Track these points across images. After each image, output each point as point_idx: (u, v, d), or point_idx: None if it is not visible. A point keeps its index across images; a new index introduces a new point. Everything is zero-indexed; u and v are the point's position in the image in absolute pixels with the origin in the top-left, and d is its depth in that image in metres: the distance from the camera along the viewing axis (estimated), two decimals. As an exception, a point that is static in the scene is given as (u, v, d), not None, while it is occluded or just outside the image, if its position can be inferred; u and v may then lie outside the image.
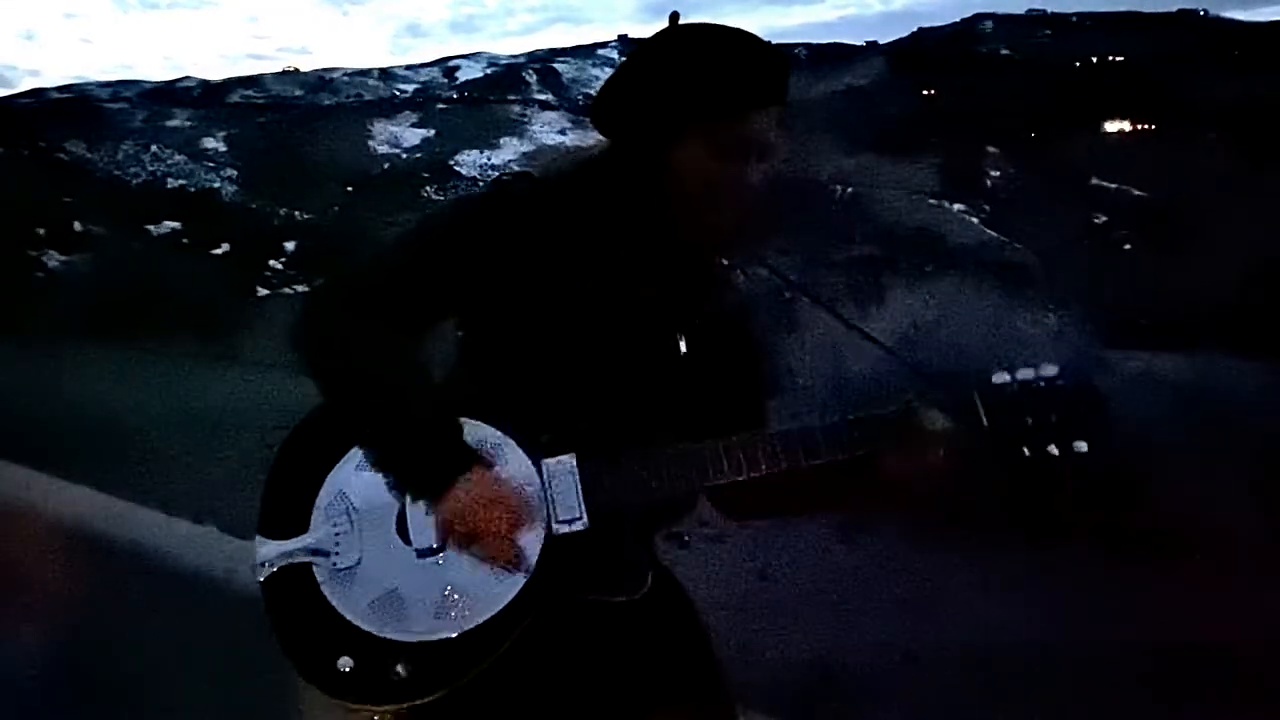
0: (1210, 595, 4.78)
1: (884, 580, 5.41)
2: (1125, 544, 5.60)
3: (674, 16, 1.76)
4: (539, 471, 1.76)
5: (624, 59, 1.81)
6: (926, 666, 4.49)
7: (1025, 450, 1.78)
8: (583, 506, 1.73)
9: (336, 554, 1.74)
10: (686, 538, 1.66)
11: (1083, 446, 1.75)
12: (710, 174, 1.72)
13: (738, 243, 1.79)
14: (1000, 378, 1.82)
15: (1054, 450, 1.76)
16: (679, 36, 1.78)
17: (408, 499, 1.69)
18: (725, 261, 1.95)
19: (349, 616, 1.72)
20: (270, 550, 1.74)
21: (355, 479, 1.74)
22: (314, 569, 1.73)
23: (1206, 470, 6.10)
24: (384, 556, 1.74)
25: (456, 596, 1.71)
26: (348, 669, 1.67)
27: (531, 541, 1.71)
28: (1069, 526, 5.33)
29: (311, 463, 1.77)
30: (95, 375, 11.11)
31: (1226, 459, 6.26)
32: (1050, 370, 1.78)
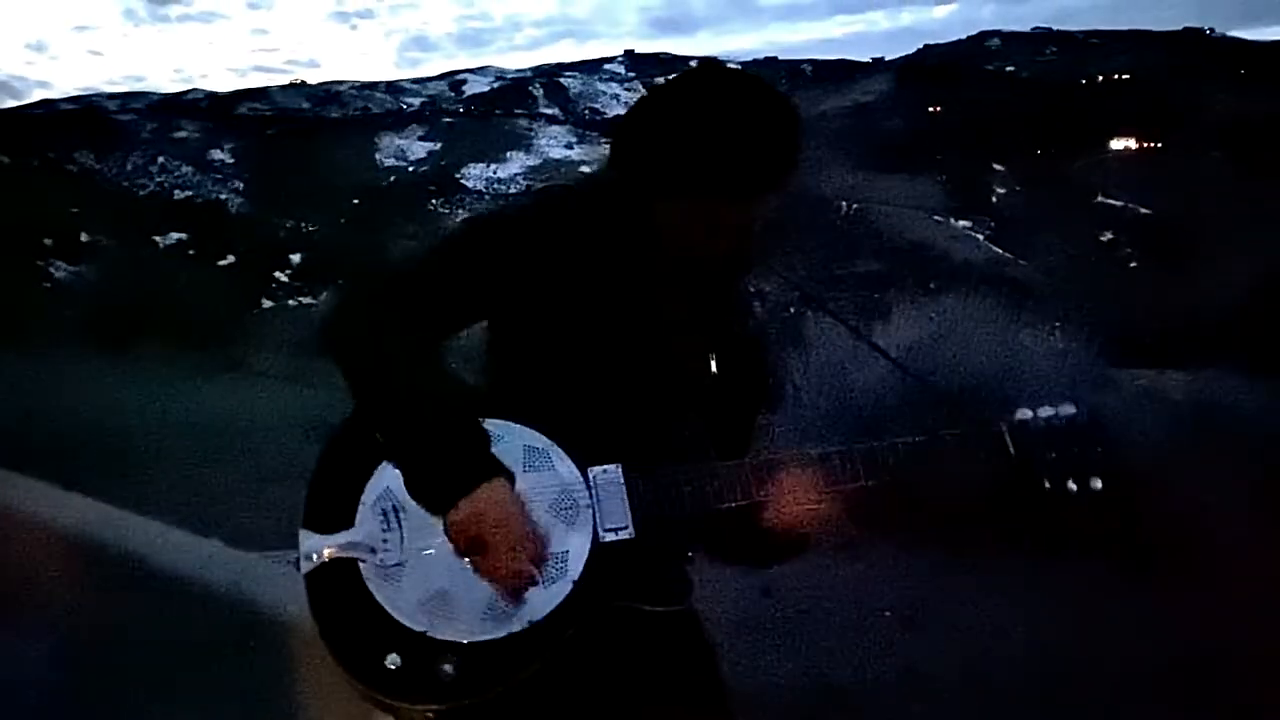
0: (1212, 607, 4.76)
1: (884, 596, 5.40)
2: (1126, 557, 5.59)
3: (706, 63, 1.77)
4: (586, 479, 1.77)
5: (644, 98, 1.80)
6: (926, 681, 4.48)
7: (1046, 484, 1.80)
8: (629, 516, 1.74)
9: (384, 551, 1.72)
10: (690, 554, 1.69)
11: (1098, 484, 1.77)
12: (679, 239, 1.73)
13: (726, 269, 1.81)
14: (1024, 414, 1.85)
15: (1072, 486, 1.79)
16: (690, 100, 1.75)
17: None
18: (751, 288, 1.97)
19: (395, 614, 1.69)
20: (315, 544, 1.72)
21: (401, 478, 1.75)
22: (359, 565, 1.72)
23: (1210, 485, 6.10)
24: (432, 556, 1.72)
25: (504, 598, 1.71)
26: (395, 666, 1.67)
27: (578, 548, 1.71)
28: (1070, 540, 5.32)
29: (358, 459, 1.76)
30: (100, 384, 11.13)
31: (1230, 474, 6.25)
32: (1069, 409, 1.80)
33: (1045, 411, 1.78)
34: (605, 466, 1.70)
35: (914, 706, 4.37)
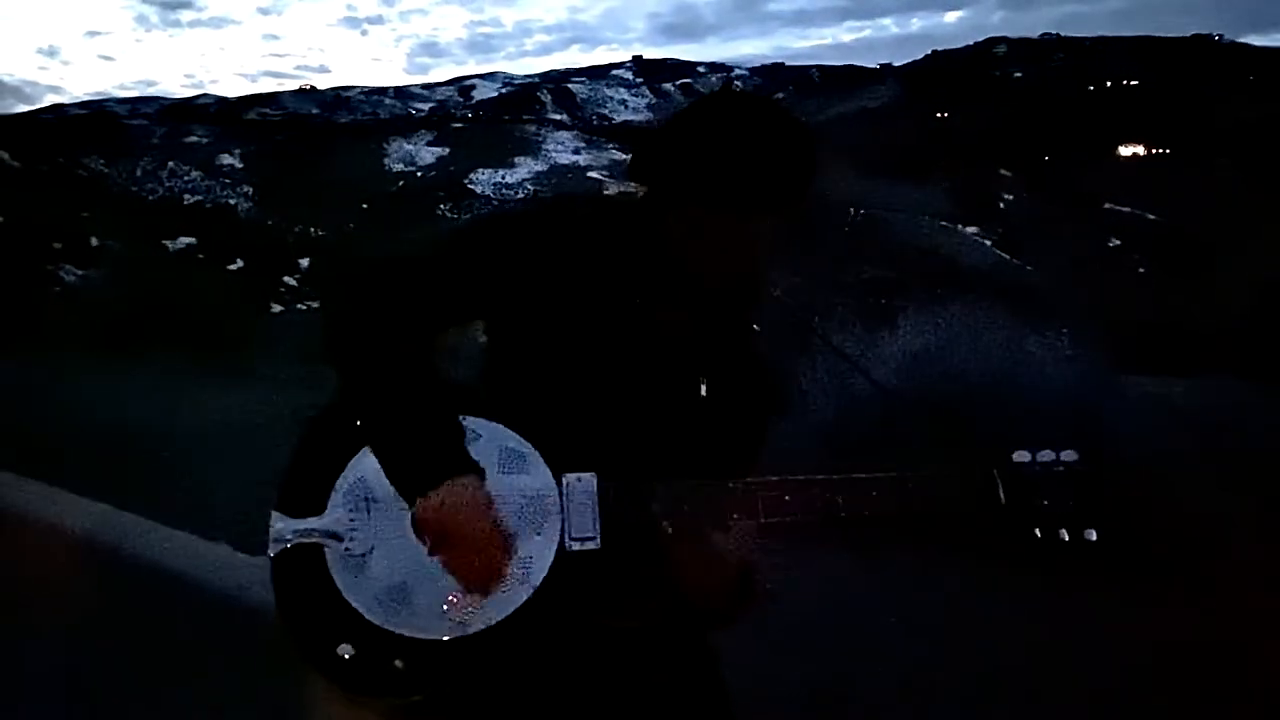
0: (1219, 618, 4.74)
1: (894, 603, 5.38)
2: (1135, 568, 5.57)
3: (727, 84, 1.79)
4: (559, 485, 1.76)
5: (670, 118, 1.81)
6: (936, 690, 4.46)
7: (1037, 532, 1.76)
8: (597, 527, 1.71)
9: (350, 540, 1.71)
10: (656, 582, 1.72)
11: (1092, 535, 1.72)
12: (689, 253, 1.73)
13: (734, 295, 1.80)
14: (1021, 456, 1.80)
15: (1064, 535, 1.74)
16: (711, 117, 1.76)
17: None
18: (754, 314, 1.97)
19: (355, 604, 1.67)
20: (284, 527, 1.71)
21: (377, 467, 1.74)
22: (325, 552, 1.72)
23: (1217, 494, 6.08)
24: (396, 549, 1.70)
25: (462, 599, 1.71)
26: (347, 656, 1.66)
27: (541, 555, 1.71)
28: (1078, 549, 5.30)
29: (336, 446, 1.76)
30: (108, 388, 11.17)
31: (1237, 483, 6.24)
32: (1071, 455, 1.75)
33: (1045, 456, 1.73)
34: (580, 475, 1.70)
35: (921, 714, 4.37)
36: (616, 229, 1.77)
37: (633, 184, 1.80)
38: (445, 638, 1.64)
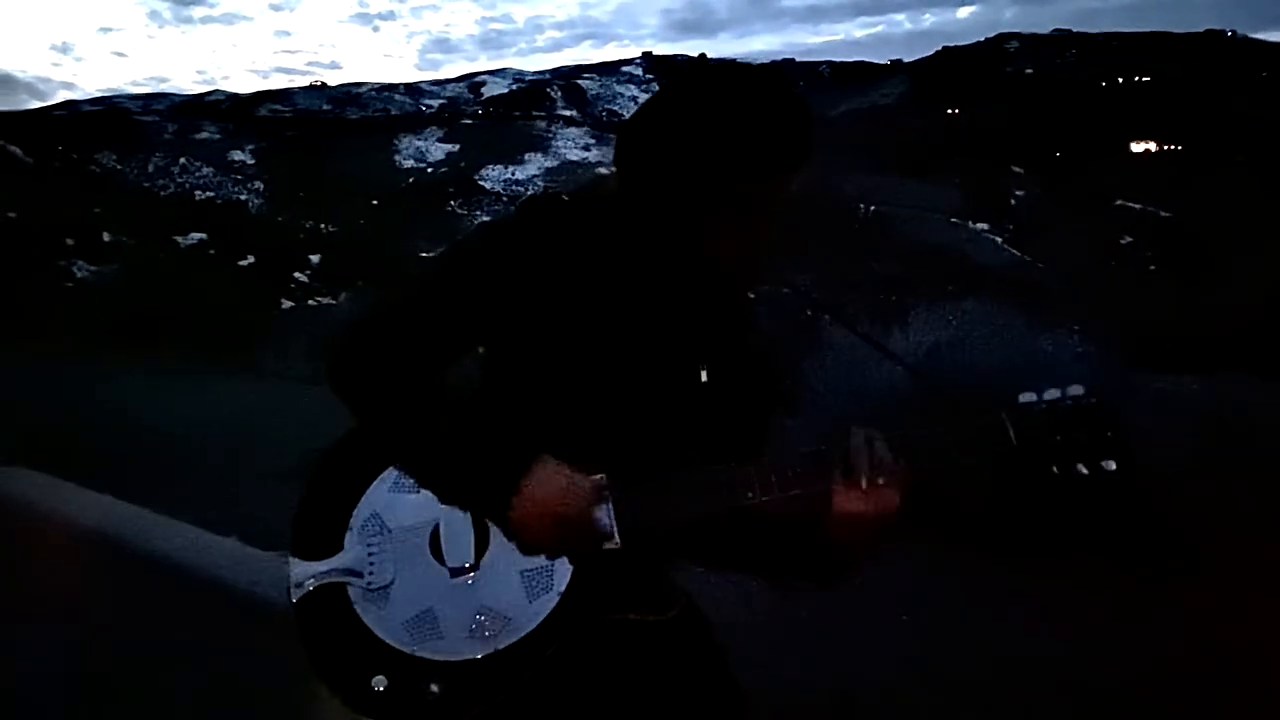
0: (1233, 617, 4.73)
1: (905, 600, 5.38)
2: (1147, 565, 5.56)
3: (700, 59, 1.77)
4: None
5: (648, 99, 1.80)
6: (947, 687, 4.46)
7: (1054, 469, 1.74)
8: (615, 526, 1.73)
9: (370, 574, 1.72)
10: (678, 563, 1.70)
11: (1112, 465, 1.70)
12: (698, 227, 1.71)
13: (733, 277, 1.78)
14: (1027, 398, 1.78)
15: (1083, 469, 1.72)
16: (691, 91, 1.73)
17: (443, 518, 1.70)
18: (752, 295, 1.95)
19: (382, 636, 1.69)
20: (304, 571, 1.72)
21: (389, 500, 1.72)
22: (348, 589, 1.73)
23: (1230, 492, 6.06)
24: (418, 576, 1.72)
25: (489, 616, 1.71)
26: (382, 688, 1.68)
27: (563, 561, 1.72)
28: (1091, 547, 5.30)
29: (345, 484, 1.77)
30: (120, 384, 11.21)
31: (1250, 482, 6.21)
32: (1077, 389, 1.74)
33: (1051, 394, 1.73)
34: (592, 478, 1.71)
35: (933, 714, 4.36)
36: (599, 224, 1.76)
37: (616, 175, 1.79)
38: (478, 656, 1.65)
